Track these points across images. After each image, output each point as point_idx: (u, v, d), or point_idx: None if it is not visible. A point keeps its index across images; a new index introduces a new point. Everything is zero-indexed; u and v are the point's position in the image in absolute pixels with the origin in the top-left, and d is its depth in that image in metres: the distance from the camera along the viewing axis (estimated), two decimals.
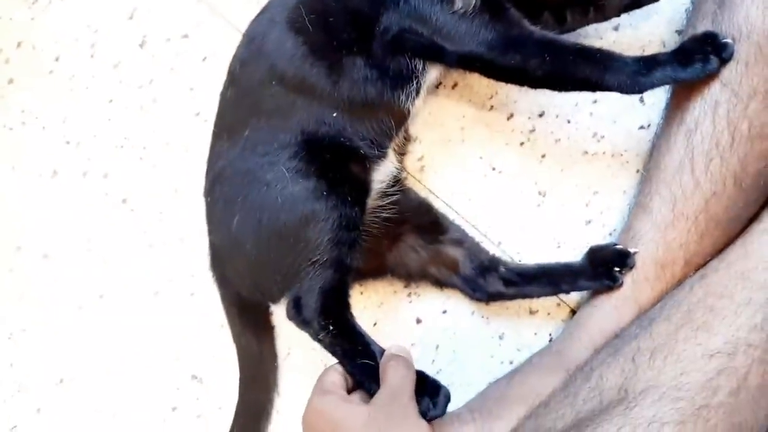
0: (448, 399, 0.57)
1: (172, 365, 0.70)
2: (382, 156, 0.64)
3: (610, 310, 0.63)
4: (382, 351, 0.58)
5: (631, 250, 0.63)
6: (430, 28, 0.59)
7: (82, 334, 0.70)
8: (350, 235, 0.60)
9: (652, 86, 0.59)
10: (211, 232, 0.64)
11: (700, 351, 0.53)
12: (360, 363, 0.58)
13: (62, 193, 0.71)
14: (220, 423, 0.69)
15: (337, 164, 0.60)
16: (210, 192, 0.63)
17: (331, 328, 0.58)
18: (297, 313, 0.59)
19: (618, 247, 0.64)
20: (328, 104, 0.60)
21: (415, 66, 0.61)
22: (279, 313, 0.69)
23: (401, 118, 0.63)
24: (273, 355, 0.70)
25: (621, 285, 0.63)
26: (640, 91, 0.60)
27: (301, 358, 0.70)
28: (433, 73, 0.63)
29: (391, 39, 0.59)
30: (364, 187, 0.62)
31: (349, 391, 0.57)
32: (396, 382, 0.53)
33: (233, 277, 0.64)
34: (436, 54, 0.60)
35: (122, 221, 0.71)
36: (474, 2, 0.58)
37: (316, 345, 0.69)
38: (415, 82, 0.62)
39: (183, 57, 0.71)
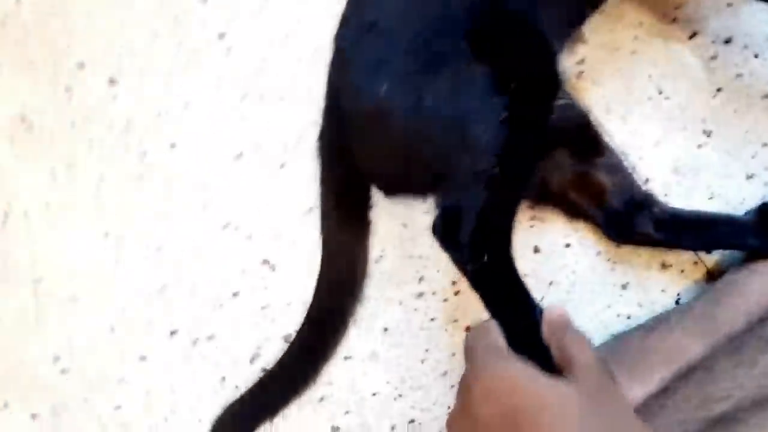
0: None
1: (241, 244, 0.60)
2: (560, 48, 0.53)
3: None
4: (540, 309, 0.47)
5: None
6: None
7: (143, 195, 0.58)
8: (530, 147, 0.49)
9: None
10: (338, 94, 0.52)
11: None
12: (510, 315, 0.46)
13: (146, 7, 0.58)
14: (285, 320, 0.60)
15: (526, 51, 0.49)
16: (352, 44, 0.51)
17: (485, 258, 0.47)
18: (446, 229, 0.48)
19: None
20: None
21: None
22: (380, 207, 0.59)
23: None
24: (364, 256, 0.60)
25: None
26: None
27: (396, 264, 0.60)
28: None
29: None
30: (552, 86, 0.50)
31: None
32: (592, 363, 0.41)
33: (361, 151, 0.52)
34: None
35: (214, 59, 0.58)
36: None
37: (416, 252, 0.60)
38: None
39: None
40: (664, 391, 0.50)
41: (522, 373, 0.39)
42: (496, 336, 0.43)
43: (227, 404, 0.59)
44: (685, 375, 0.50)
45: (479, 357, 0.41)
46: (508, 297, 0.47)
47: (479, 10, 0.48)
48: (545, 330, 0.44)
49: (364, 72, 0.50)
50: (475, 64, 0.47)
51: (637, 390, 0.51)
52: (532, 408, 0.36)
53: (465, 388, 0.40)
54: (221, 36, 0.58)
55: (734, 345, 0.51)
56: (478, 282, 0.48)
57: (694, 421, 0.45)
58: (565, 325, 0.44)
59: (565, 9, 0.52)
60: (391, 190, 0.54)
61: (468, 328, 0.48)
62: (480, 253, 0.47)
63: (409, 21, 0.49)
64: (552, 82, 0.50)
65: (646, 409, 0.49)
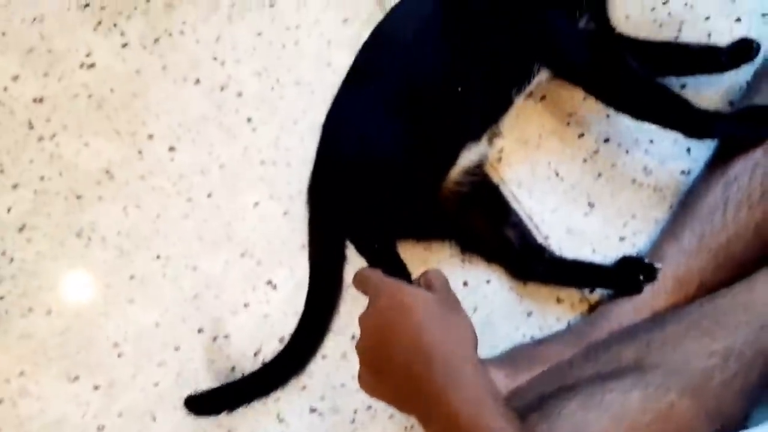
0: None
1: (253, 268, 0.80)
2: (478, 138, 0.77)
3: (630, 310, 0.75)
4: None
5: (657, 266, 0.75)
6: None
7: (186, 229, 0.80)
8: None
9: (717, 136, 0.73)
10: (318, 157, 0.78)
11: (702, 349, 0.66)
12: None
13: (200, 99, 0.81)
14: (281, 327, 0.79)
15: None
16: (329, 121, 0.78)
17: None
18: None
19: (647, 260, 0.76)
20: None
21: (535, 68, 0.74)
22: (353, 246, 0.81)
23: (506, 107, 0.76)
24: (340, 281, 0.80)
25: (641, 292, 0.75)
26: (705, 137, 0.73)
27: None
28: (542, 75, 0.76)
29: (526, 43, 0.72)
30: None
31: None
32: (443, 282, 0.61)
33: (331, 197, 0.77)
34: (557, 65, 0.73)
35: (243, 136, 0.81)
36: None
37: None
38: (528, 82, 0.75)
39: (328, 14, 0.83)
40: (540, 376, 0.72)
41: (404, 284, 0.59)
42: (381, 272, 0.63)
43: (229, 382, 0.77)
44: (554, 368, 0.72)
45: (374, 281, 0.61)
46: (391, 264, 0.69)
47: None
48: (419, 278, 0.63)
49: (331, 137, 0.75)
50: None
51: (522, 377, 0.72)
52: (408, 301, 0.56)
53: (371, 297, 0.60)
54: (249, 119, 0.81)
55: (588, 348, 0.73)
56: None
57: (550, 389, 0.66)
58: (427, 269, 0.63)
59: (484, 110, 0.75)
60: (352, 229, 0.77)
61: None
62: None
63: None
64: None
65: (525, 387, 0.71)
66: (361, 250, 0.72)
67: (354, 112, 0.75)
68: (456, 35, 0.72)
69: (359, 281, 0.65)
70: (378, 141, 0.72)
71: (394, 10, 0.78)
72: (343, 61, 0.79)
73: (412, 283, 0.62)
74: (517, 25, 0.72)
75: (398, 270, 0.67)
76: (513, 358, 0.76)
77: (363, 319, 0.61)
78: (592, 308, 0.81)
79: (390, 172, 0.72)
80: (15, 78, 0.80)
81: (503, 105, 0.76)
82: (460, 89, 0.72)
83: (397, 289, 0.59)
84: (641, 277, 0.75)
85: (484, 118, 0.75)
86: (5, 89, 0.80)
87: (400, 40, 0.74)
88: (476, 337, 0.59)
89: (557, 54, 0.73)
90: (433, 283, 0.61)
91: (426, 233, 0.80)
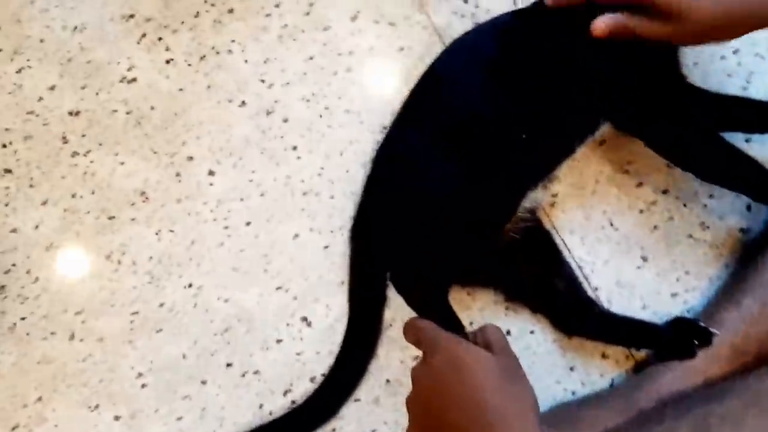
0: None
1: (288, 302, 0.77)
2: (536, 186, 0.73)
3: (681, 375, 0.72)
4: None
5: (714, 331, 0.72)
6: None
7: (221, 257, 0.76)
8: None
9: None
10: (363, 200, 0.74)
11: (763, 429, 0.63)
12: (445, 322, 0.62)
13: (244, 122, 0.77)
14: (314, 365, 0.76)
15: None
16: (375, 167, 0.75)
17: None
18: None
19: (702, 324, 0.73)
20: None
21: (600, 121, 0.71)
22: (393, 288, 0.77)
23: (567, 156, 0.73)
24: (379, 322, 0.77)
25: (694, 357, 0.71)
26: None
27: (400, 331, 0.77)
28: (605, 127, 0.73)
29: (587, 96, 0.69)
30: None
31: None
32: (503, 342, 0.57)
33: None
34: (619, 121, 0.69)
35: (286, 164, 0.78)
36: None
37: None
38: (592, 134, 0.71)
39: (383, 42, 0.79)
40: None
41: (463, 342, 0.55)
42: (435, 325, 0.59)
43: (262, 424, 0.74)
44: None
45: (430, 334, 0.57)
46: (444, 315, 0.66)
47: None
48: (475, 333, 0.60)
49: (382, 175, 0.71)
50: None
51: None
52: (468, 362, 0.53)
53: (425, 352, 0.56)
54: (294, 147, 0.78)
55: (639, 418, 0.69)
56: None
57: None
58: (485, 325, 0.59)
59: (544, 159, 0.71)
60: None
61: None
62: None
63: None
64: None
65: None
66: (410, 300, 0.68)
67: (408, 150, 0.71)
68: (516, 80, 0.69)
69: (412, 333, 0.61)
70: (433, 184, 0.68)
71: (453, 45, 0.74)
72: (395, 91, 0.75)
73: (467, 338, 0.58)
74: (577, 76, 0.68)
75: (451, 323, 0.63)
76: (557, 420, 0.73)
77: (417, 374, 0.57)
78: (638, 366, 0.78)
79: (445, 218, 0.68)
80: (51, 88, 0.76)
81: (564, 154, 0.72)
82: (524, 136, 0.68)
83: (456, 347, 0.55)
84: (695, 342, 0.72)
85: (544, 167, 0.72)
86: (40, 99, 0.76)
87: (459, 79, 0.70)
88: (538, 406, 0.55)
89: (619, 110, 0.69)
90: (492, 342, 0.57)
91: (474, 280, 0.76)
